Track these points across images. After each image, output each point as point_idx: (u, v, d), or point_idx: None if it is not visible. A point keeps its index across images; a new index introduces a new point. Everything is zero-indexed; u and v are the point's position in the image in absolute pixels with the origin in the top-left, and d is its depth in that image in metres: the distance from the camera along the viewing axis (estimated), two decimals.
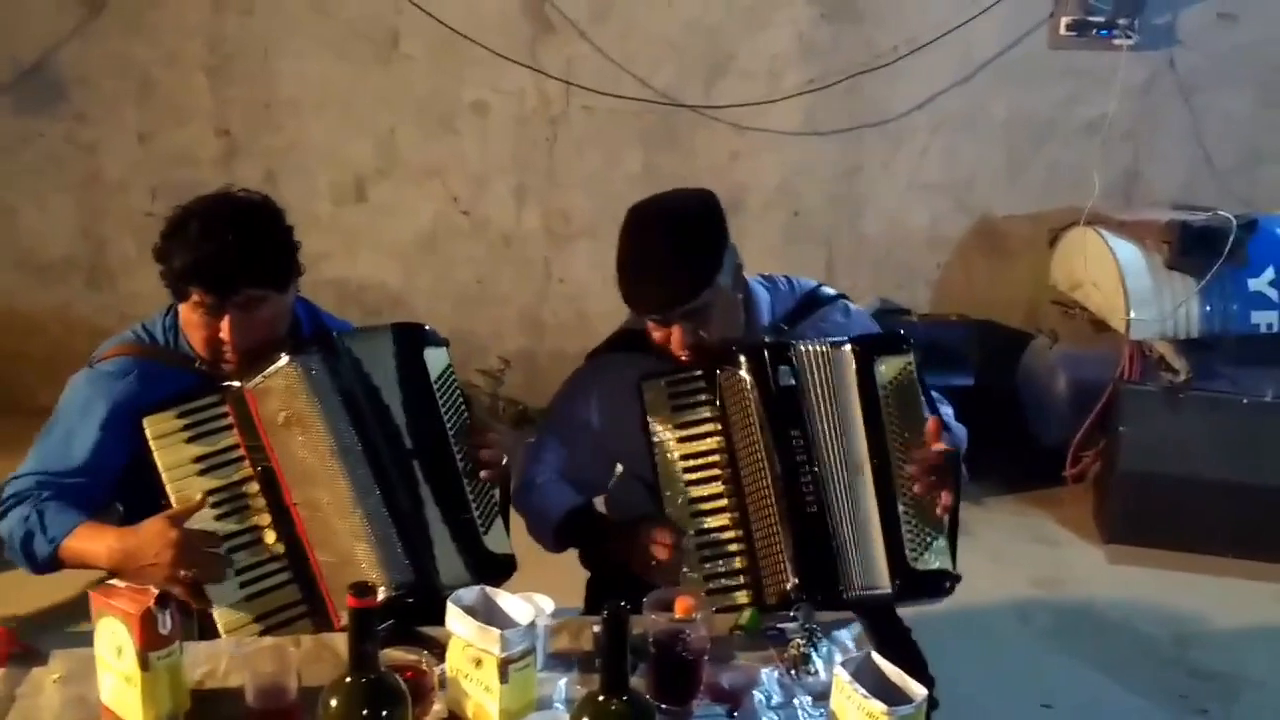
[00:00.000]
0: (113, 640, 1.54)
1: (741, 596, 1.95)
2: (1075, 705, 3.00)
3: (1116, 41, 4.27)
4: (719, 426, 2.00)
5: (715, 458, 2.00)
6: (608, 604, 1.33)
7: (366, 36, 4.34)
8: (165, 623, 1.52)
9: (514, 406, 4.49)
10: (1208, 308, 3.80)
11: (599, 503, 2.29)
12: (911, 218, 4.58)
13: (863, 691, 1.45)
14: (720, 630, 1.78)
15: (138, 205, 4.34)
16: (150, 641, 1.51)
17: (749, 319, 2.13)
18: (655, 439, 2.02)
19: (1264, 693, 3.08)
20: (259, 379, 1.89)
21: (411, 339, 2.01)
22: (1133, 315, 3.79)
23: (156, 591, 1.53)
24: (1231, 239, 3.76)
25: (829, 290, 2.24)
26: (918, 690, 1.47)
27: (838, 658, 1.70)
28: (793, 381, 1.98)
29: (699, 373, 2.02)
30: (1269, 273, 3.82)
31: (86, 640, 1.60)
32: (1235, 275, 3.80)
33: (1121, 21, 4.24)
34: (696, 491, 2.00)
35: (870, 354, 2.00)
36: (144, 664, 1.51)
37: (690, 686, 1.63)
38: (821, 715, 1.57)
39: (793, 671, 1.70)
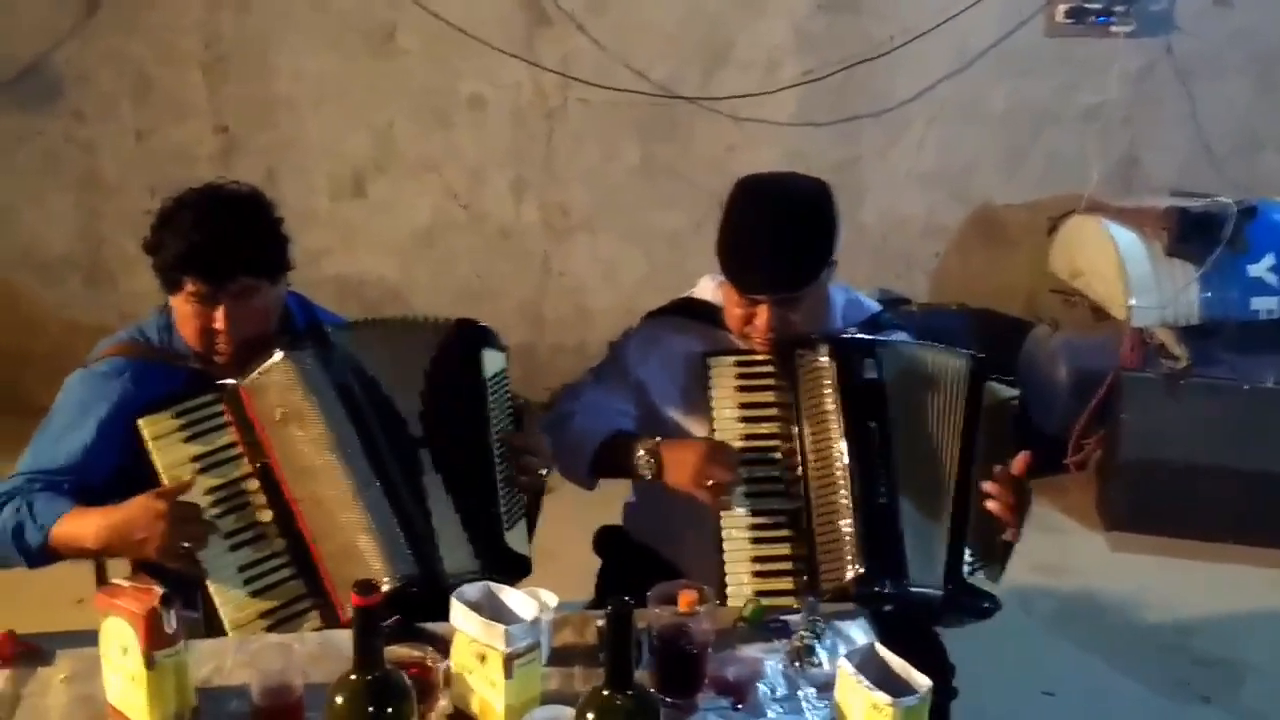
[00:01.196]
0: (118, 640, 1.54)
1: (787, 582, 1.95)
2: (1077, 692, 3.01)
3: (1114, 28, 4.26)
4: (785, 412, 2.01)
5: (777, 442, 2.00)
6: (611, 599, 1.33)
7: (362, 31, 4.33)
8: (170, 621, 1.52)
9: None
10: (1207, 294, 3.80)
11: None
12: (909, 207, 4.57)
13: (867, 683, 1.46)
14: (724, 623, 1.79)
15: (137, 203, 4.32)
16: (155, 640, 1.51)
17: (826, 320, 2.14)
18: (715, 415, 2.02)
19: (1266, 679, 3.08)
20: (254, 375, 1.90)
21: (470, 335, 2.04)
22: (1133, 302, 3.79)
23: (161, 590, 1.53)
24: (1231, 225, 3.75)
25: (891, 317, 2.27)
26: (922, 681, 1.48)
27: (841, 649, 1.70)
28: (875, 375, 1.99)
29: (769, 358, 2.03)
30: (1269, 259, 3.81)
31: (92, 640, 1.60)
32: (1235, 261, 3.80)
33: (1118, 8, 4.24)
34: (754, 473, 1.99)
35: (984, 370, 2.04)
36: (149, 663, 1.51)
37: (694, 680, 1.63)
38: (826, 707, 1.58)
39: (797, 663, 1.70)
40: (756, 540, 1.97)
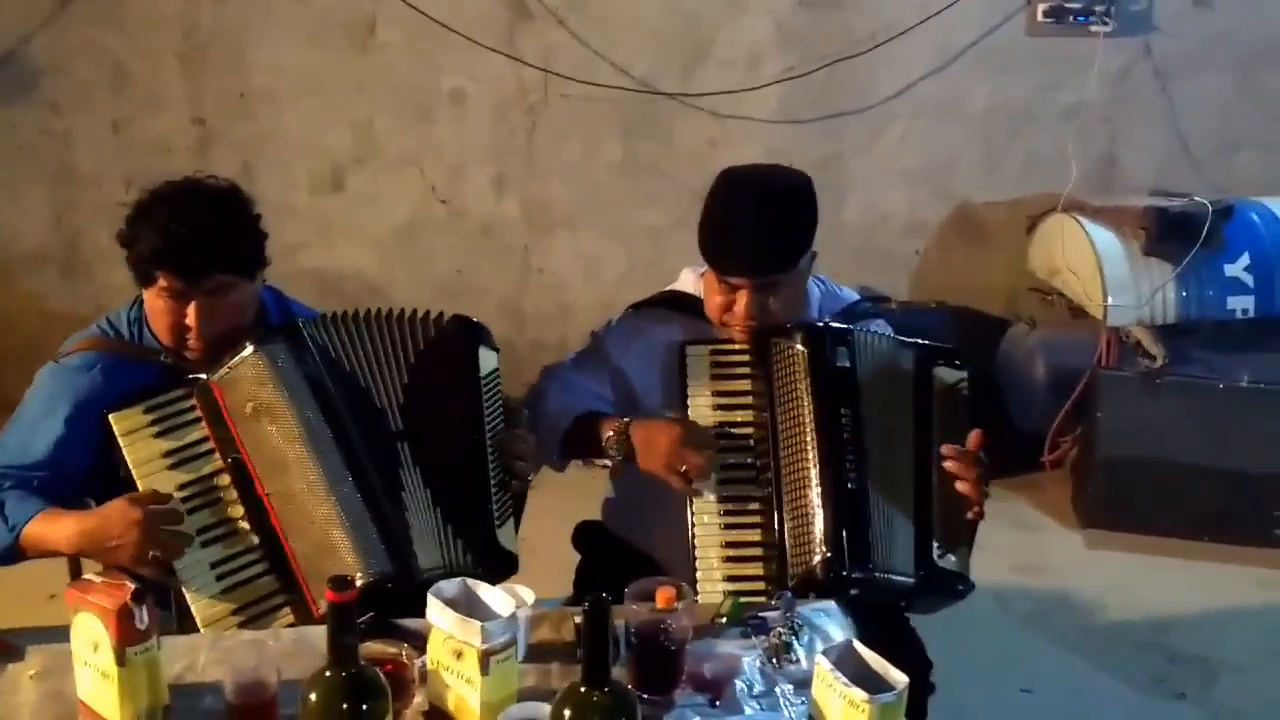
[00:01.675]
0: (89, 636, 1.52)
1: (757, 568, 1.96)
2: (1055, 690, 3.02)
3: (1093, 28, 4.27)
4: (759, 400, 2.03)
5: (750, 430, 2.02)
6: (589, 595, 1.32)
7: (343, 24, 4.30)
8: (142, 618, 1.50)
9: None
10: (1184, 293, 3.82)
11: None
12: (890, 205, 4.58)
13: (844, 679, 1.45)
14: (701, 619, 1.78)
15: (112, 195, 4.29)
16: (127, 636, 1.49)
17: (803, 309, 2.15)
18: (690, 403, 2.03)
19: (1241, 676, 3.10)
20: (224, 370, 1.88)
21: (467, 332, 2.04)
22: (1110, 301, 3.81)
23: (133, 586, 1.52)
24: (1208, 225, 3.77)
25: (869, 306, 2.31)
26: (899, 678, 1.48)
27: (819, 646, 1.70)
28: (848, 364, 2.01)
29: (746, 347, 2.05)
30: (1244, 258, 3.84)
31: (64, 636, 1.58)
32: (1211, 261, 3.82)
33: (1098, 8, 4.25)
34: (726, 459, 2.01)
35: (930, 359, 2.07)
36: (121, 659, 1.49)
37: (672, 676, 1.63)
38: (803, 703, 1.57)
39: (774, 660, 1.70)
40: (727, 526, 1.98)
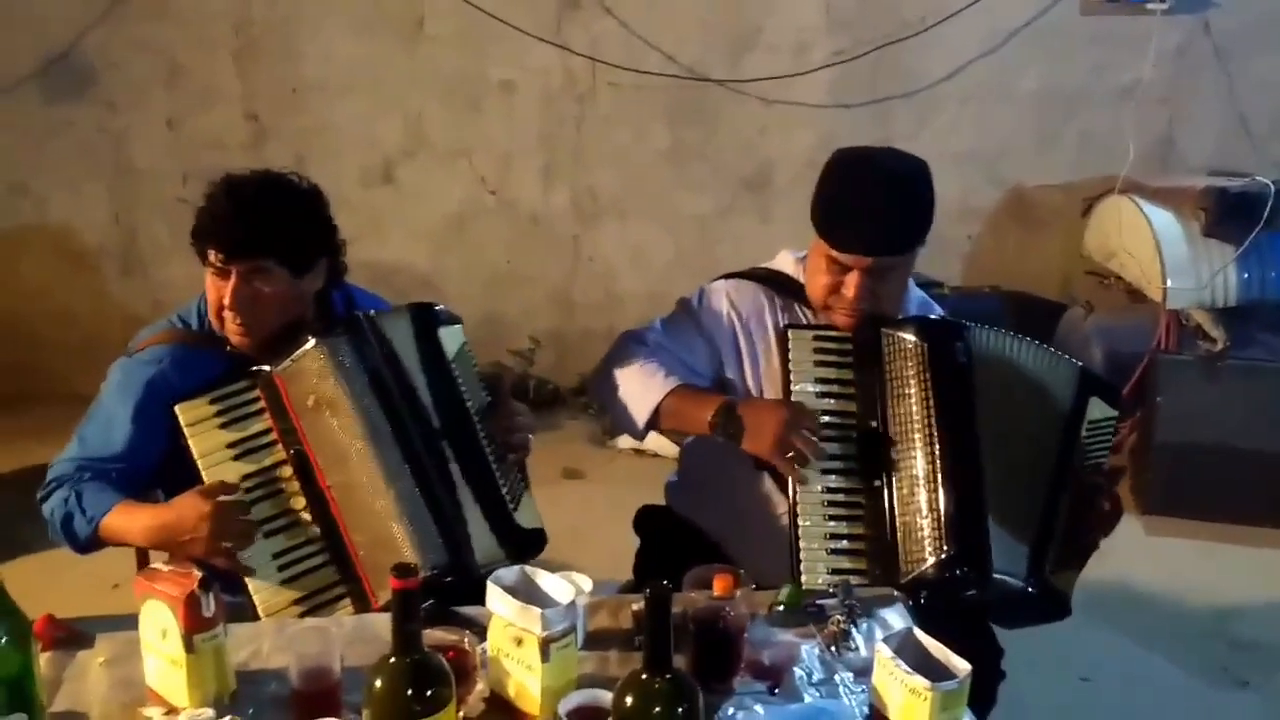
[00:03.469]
0: (157, 623, 1.55)
1: (861, 562, 1.92)
2: (1114, 678, 2.98)
3: (1150, 6, 4.20)
4: (864, 391, 1.99)
5: (853, 420, 1.98)
6: (650, 583, 1.32)
7: (392, 17, 4.33)
8: (209, 605, 1.53)
9: (545, 386, 4.50)
10: (1245, 275, 3.74)
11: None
12: (942, 189, 4.45)
13: (905, 667, 1.44)
14: (760, 607, 1.78)
15: (169, 191, 4.36)
16: (195, 624, 1.52)
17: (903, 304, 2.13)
18: (794, 387, 1.99)
19: None
20: (287, 362, 1.90)
21: (426, 319, 2.01)
22: (1169, 284, 3.74)
23: (199, 574, 1.54)
24: (1270, 205, 3.69)
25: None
26: (961, 666, 1.46)
27: (878, 634, 1.69)
28: (965, 360, 1.97)
29: (847, 334, 2.02)
30: None
31: (130, 624, 1.61)
32: (1273, 241, 3.74)
33: None
34: (829, 449, 1.96)
35: (1090, 386, 2.03)
36: (189, 646, 1.52)
37: (731, 664, 1.63)
38: (863, 691, 1.56)
39: (833, 648, 1.69)
40: (833, 518, 1.93)
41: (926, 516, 1.90)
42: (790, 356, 2.00)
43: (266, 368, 1.91)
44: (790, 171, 4.42)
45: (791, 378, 1.99)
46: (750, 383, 2.11)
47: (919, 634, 1.51)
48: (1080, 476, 1.98)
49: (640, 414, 2.08)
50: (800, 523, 1.93)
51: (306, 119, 4.42)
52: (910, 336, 1.98)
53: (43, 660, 1.66)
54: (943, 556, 1.87)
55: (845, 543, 1.93)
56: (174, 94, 4.40)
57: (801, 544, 1.92)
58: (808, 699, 1.57)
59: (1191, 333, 3.78)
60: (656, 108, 4.40)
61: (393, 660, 1.33)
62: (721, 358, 2.15)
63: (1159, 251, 3.77)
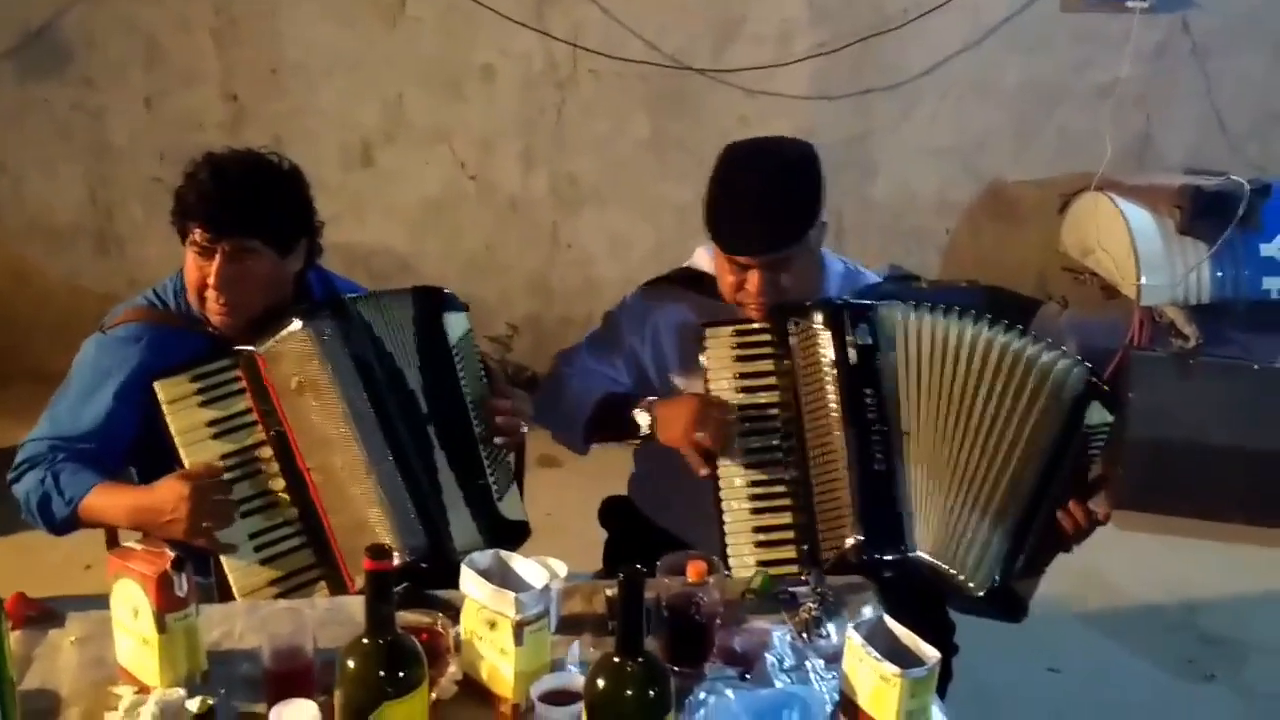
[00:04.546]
0: (129, 602, 1.55)
1: (789, 550, 1.94)
2: (1083, 670, 3.02)
3: (1129, 4, 4.22)
4: (784, 380, 1.99)
5: (775, 411, 1.99)
6: (623, 567, 1.33)
7: (373, 0, 4.30)
8: (181, 585, 1.53)
9: (522, 372, 4.49)
10: (1219, 273, 3.77)
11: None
12: (921, 183, 4.55)
13: (875, 654, 1.46)
14: (732, 594, 1.79)
15: (146, 170, 4.33)
16: (167, 603, 1.52)
17: (820, 286, 2.12)
18: (713, 385, 2.00)
19: (1272, 658, 3.09)
20: (271, 343, 1.89)
21: (431, 303, 2.01)
22: (1144, 281, 3.77)
23: (172, 554, 1.54)
24: (1244, 204, 3.72)
25: (892, 288, 2.21)
26: (930, 653, 1.48)
27: (850, 621, 1.70)
28: (870, 341, 1.96)
29: (766, 326, 2.01)
30: None
31: (102, 604, 1.61)
32: (1247, 240, 3.77)
33: None
34: (754, 442, 1.98)
35: (1087, 396, 1.99)
36: (161, 626, 1.52)
37: (703, 649, 1.64)
38: (834, 678, 1.58)
39: (805, 634, 1.70)
40: (757, 510, 1.97)
41: (841, 502, 1.92)
42: (707, 355, 2.02)
43: (249, 347, 1.90)
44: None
45: (708, 375, 2.01)
46: (681, 385, 2.11)
47: (890, 621, 1.53)
48: (1068, 485, 1.95)
49: (575, 437, 2.14)
50: (725, 517, 1.97)
51: (286, 100, 4.39)
52: (816, 324, 1.98)
53: (13, 638, 1.65)
54: (855, 540, 1.90)
55: (773, 533, 1.95)
56: (152, 73, 4.36)
57: (728, 539, 1.95)
58: (779, 684, 1.58)
59: (1165, 329, 3.81)
60: (637, 95, 4.39)
61: (365, 641, 1.33)
62: (645, 367, 2.17)
63: (1134, 248, 3.80)
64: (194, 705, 1.48)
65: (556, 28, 4.31)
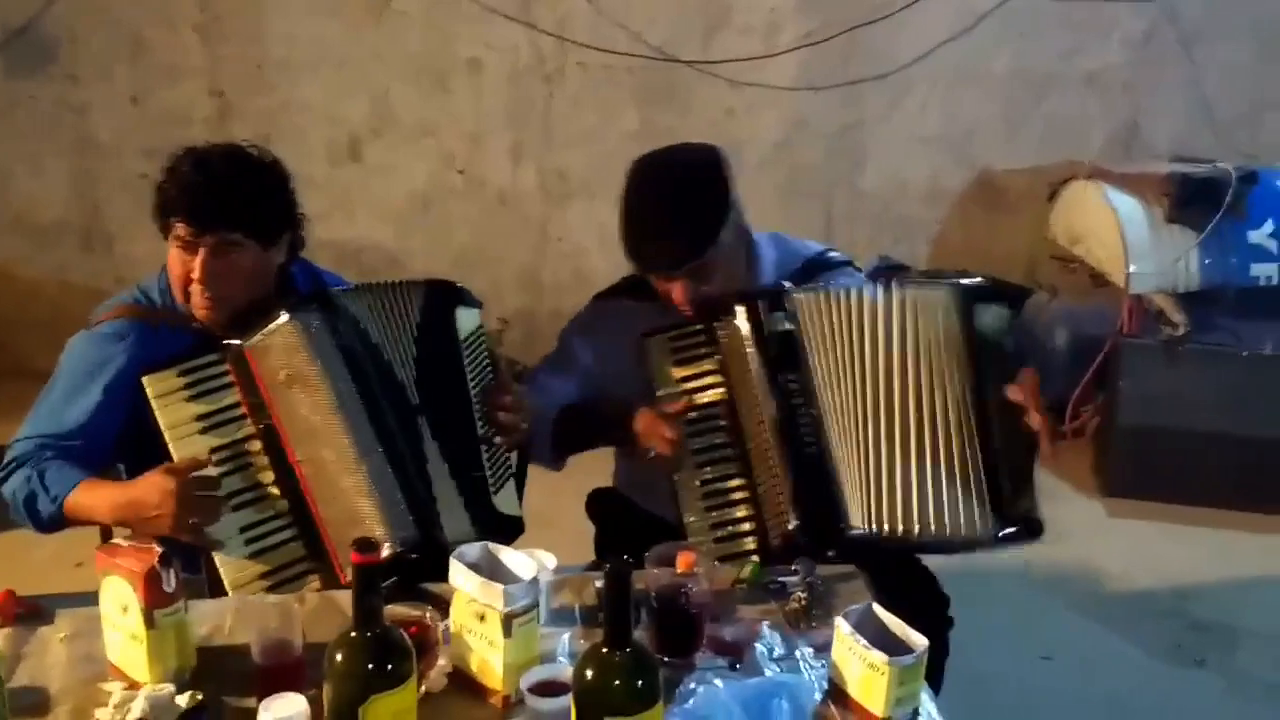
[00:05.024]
0: (118, 599, 1.54)
1: (749, 543, 1.96)
2: (1074, 657, 3.03)
3: None
4: (721, 378, 2.01)
5: (717, 408, 2.01)
6: (610, 558, 1.33)
7: None
8: (170, 581, 1.53)
9: (513, 366, 4.47)
10: (1207, 261, 3.79)
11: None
12: (911, 172, 4.55)
13: (864, 642, 1.46)
14: (722, 584, 1.79)
15: (131, 167, 4.31)
16: (155, 599, 1.51)
17: (751, 274, 2.12)
18: (660, 393, 2.02)
19: (1261, 643, 3.10)
20: (258, 337, 1.89)
21: (443, 296, 2.02)
22: (1132, 269, 3.78)
23: (160, 550, 1.53)
24: (1231, 191, 3.74)
25: (837, 254, 2.23)
26: (919, 641, 1.48)
27: (838, 610, 1.70)
28: (788, 326, 1.98)
29: (699, 327, 2.03)
30: (1269, 225, 3.80)
31: (91, 602, 1.60)
32: (1235, 228, 3.79)
33: None
34: (700, 442, 2.00)
35: (971, 298, 1.98)
36: (150, 622, 1.52)
37: (693, 640, 1.64)
38: (823, 666, 1.58)
39: (794, 624, 1.71)
40: (710, 509, 1.99)
41: (781, 487, 1.94)
42: (651, 362, 2.04)
43: (237, 341, 1.89)
44: (758, 154, 4.43)
45: (655, 384, 2.03)
46: (632, 395, 2.10)
47: (878, 609, 1.53)
48: (1000, 397, 1.95)
49: (543, 451, 2.17)
50: (685, 519, 1.99)
51: (272, 96, 4.38)
52: (737, 319, 1.99)
53: (2, 636, 1.65)
54: (793, 525, 1.92)
55: (728, 528, 1.98)
56: (138, 69, 4.35)
57: (690, 539, 1.96)
58: (768, 673, 1.58)
59: (1154, 317, 3.82)
60: (625, 88, 4.39)
61: (353, 634, 1.33)
62: (599, 381, 2.18)
63: (1122, 236, 3.81)
64: (183, 701, 1.49)
65: (543, 20, 4.30)
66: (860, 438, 1.95)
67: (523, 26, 4.29)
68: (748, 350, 1.98)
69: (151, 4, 4.27)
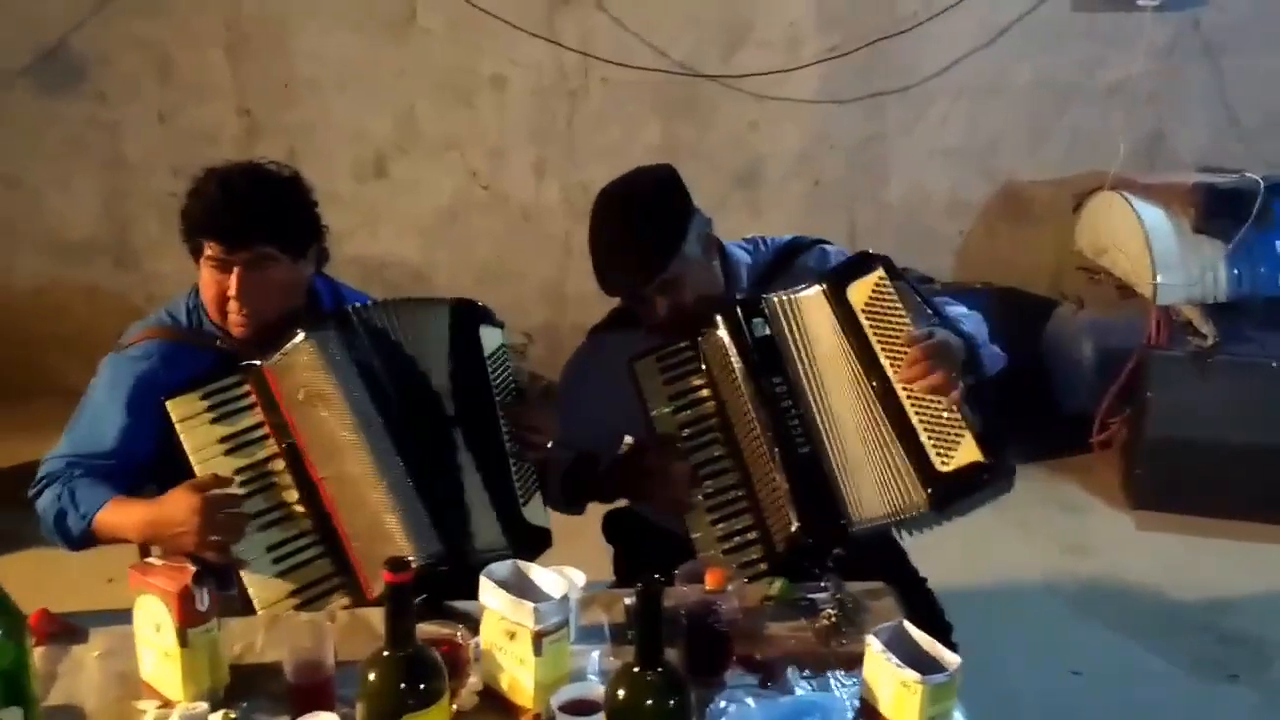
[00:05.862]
0: (151, 617, 1.55)
1: (755, 551, 1.97)
2: (1104, 672, 3.00)
3: (1141, 2, 4.21)
4: (710, 391, 2.04)
5: (711, 421, 2.04)
6: (642, 577, 1.33)
7: (383, 11, 4.32)
8: (203, 599, 1.54)
9: (537, 381, 4.49)
10: (1235, 271, 3.76)
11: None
12: (934, 185, 4.54)
13: (896, 660, 1.45)
14: (751, 601, 1.79)
15: (161, 185, 4.36)
16: (189, 618, 1.52)
17: (729, 283, 2.14)
18: (653, 413, 2.05)
19: None
20: (277, 356, 1.90)
21: (468, 314, 2.05)
22: (1159, 280, 3.76)
23: (194, 568, 1.54)
24: (1259, 201, 3.71)
25: (805, 238, 2.24)
26: (951, 659, 1.47)
27: (869, 627, 1.69)
28: (768, 331, 2.01)
29: (685, 343, 2.05)
30: None
31: (125, 618, 1.61)
32: (1263, 238, 3.76)
33: None
34: (699, 457, 2.02)
35: (839, 283, 2.01)
36: (183, 640, 1.53)
37: (723, 658, 1.64)
38: (854, 684, 1.57)
39: (825, 641, 1.70)
40: (715, 521, 2.00)
41: (779, 493, 1.96)
42: (640, 386, 2.06)
43: (257, 362, 1.91)
44: (782, 167, 4.43)
45: (648, 407, 2.05)
46: (635, 423, 2.11)
47: (909, 627, 1.53)
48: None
49: (557, 501, 2.16)
50: (692, 533, 2.00)
51: (298, 113, 4.41)
52: (718, 330, 2.02)
53: (37, 654, 1.66)
54: (796, 527, 1.92)
55: (734, 539, 1.99)
56: (166, 88, 4.40)
57: (699, 553, 1.97)
58: (799, 692, 1.58)
59: (1181, 328, 3.80)
60: (648, 103, 4.40)
61: (386, 654, 1.34)
62: (605, 416, 2.17)
63: (1149, 247, 3.78)
64: (217, 718, 1.50)
65: (567, 37, 4.32)
66: (845, 432, 1.97)
67: (546, 43, 4.31)
68: (732, 359, 2.01)
69: (179, 24, 4.32)
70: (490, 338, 2.05)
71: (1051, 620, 3.24)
